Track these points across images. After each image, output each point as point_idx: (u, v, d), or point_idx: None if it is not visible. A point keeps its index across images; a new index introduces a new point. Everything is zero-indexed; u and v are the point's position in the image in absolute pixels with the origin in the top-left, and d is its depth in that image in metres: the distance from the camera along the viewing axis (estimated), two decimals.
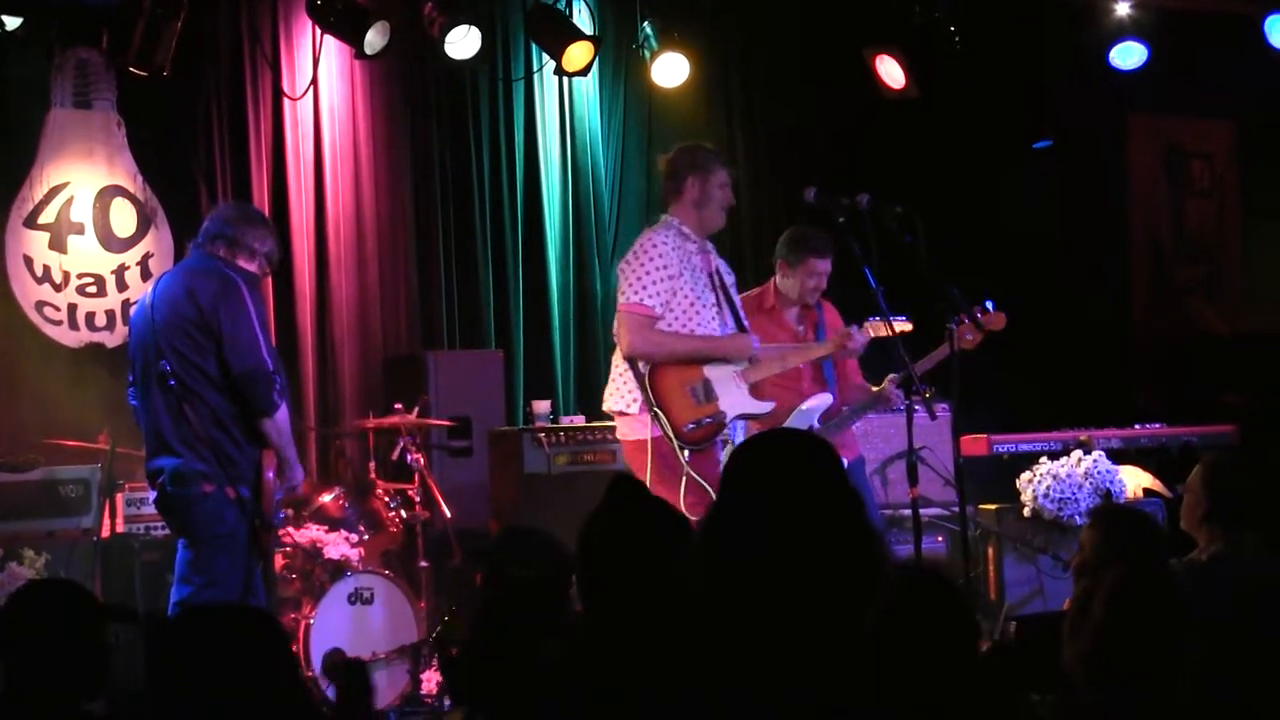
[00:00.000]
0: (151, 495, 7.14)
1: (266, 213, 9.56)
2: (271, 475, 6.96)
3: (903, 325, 7.70)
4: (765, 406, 7.29)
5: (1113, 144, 13.07)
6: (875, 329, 7.64)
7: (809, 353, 7.75)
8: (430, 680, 8.36)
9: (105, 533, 8.40)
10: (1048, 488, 9.06)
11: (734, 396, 7.20)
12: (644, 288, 7.20)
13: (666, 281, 7.20)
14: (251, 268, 7.10)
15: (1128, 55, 11.22)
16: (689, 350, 7.20)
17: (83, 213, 9.56)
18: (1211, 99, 12.59)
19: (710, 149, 7.55)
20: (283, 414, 6.92)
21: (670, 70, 10.55)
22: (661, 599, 3.51)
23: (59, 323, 9.49)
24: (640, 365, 7.19)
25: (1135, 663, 4.20)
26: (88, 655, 4.35)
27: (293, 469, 7.11)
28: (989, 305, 7.78)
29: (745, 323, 7.42)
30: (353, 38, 9.45)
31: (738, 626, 3.14)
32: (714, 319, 7.27)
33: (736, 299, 7.51)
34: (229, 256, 7.03)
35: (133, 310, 7.39)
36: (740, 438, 7.29)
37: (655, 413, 7.10)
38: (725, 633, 3.15)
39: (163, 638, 3.61)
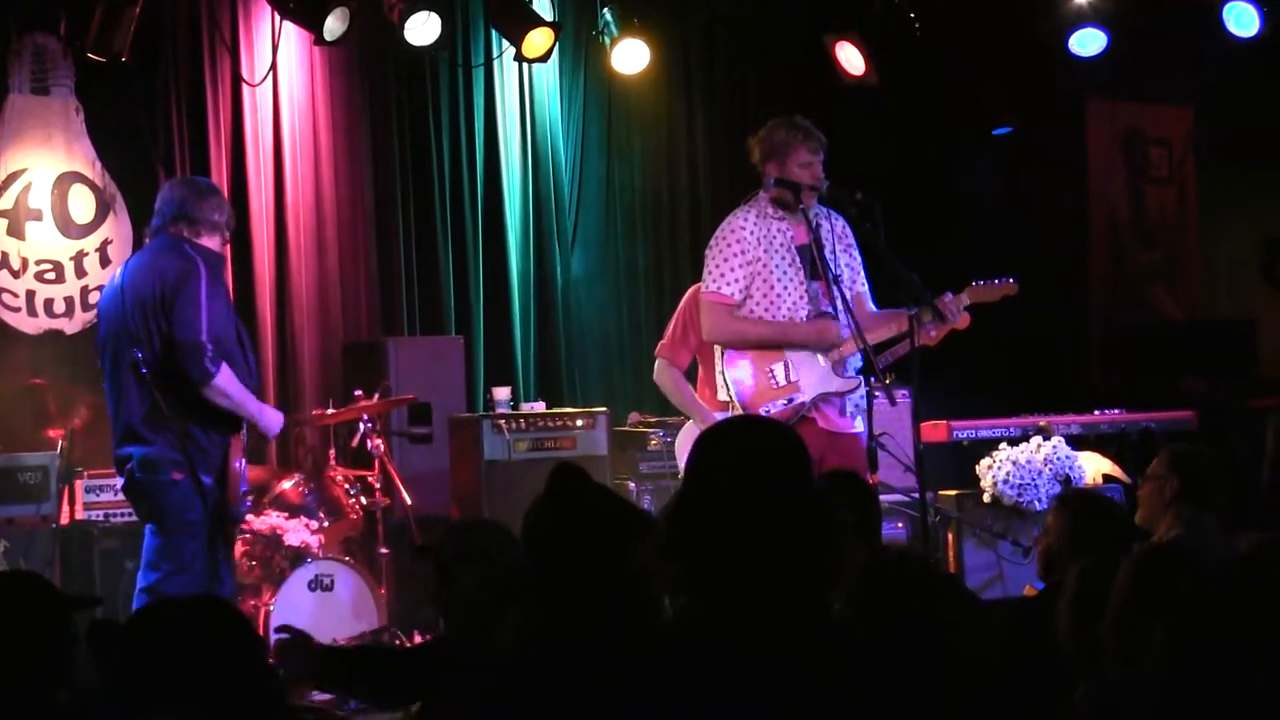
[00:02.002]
0: (119, 481, 7.14)
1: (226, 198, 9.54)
2: (238, 464, 6.97)
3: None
4: (848, 384, 7.29)
5: (1072, 130, 13.11)
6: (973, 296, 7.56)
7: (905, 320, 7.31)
8: None
9: (64, 520, 8.38)
10: (1007, 474, 9.08)
11: (815, 375, 7.25)
12: (722, 275, 7.27)
13: (745, 267, 7.25)
14: (214, 242, 7.11)
15: (1087, 42, 11.24)
16: (766, 336, 7.25)
17: (41, 199, 9.51)
18: (1170, 86, 12.65)
19: (793, 125, 7.38)
20: (223, 377, 6.86)
21: (630, 57, 10.56)
22: (609, 586, 3.50)
23: (17, 309, 9.45)
24: (720, 350, 7.29)
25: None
26: (52, 646, 4.36)
27: (262, 419, 7.12)
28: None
29: (845, 294, 7.27)
30: (312, 24, 9.42)
31: (703, 611, 3.15)
32: (799, 299, 7.27)
33: (848, 262, 7.44)
34: (192, 236, 7.04)
35: (101, 292, 7.41)
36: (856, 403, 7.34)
37: (729, 396, 7.16)
38: (692, 618, 3.15)
39: (126, 633, 3.59)
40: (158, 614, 3.73)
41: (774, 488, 3.18)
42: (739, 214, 7.38)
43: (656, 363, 8.24)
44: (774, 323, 7.23)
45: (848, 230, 7.51)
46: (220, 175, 9.87)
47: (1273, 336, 12.86)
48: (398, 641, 8.32)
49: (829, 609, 3.16)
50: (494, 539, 4.63)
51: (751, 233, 7.28)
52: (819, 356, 7.24)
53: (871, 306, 7.54)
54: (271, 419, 7.24)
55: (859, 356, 7.31)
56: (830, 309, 7.28)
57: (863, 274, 7.57)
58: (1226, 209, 13.56)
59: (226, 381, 6.90)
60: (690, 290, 8.40)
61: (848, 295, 7.31)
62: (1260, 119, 12.59)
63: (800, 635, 3.09)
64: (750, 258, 7.24)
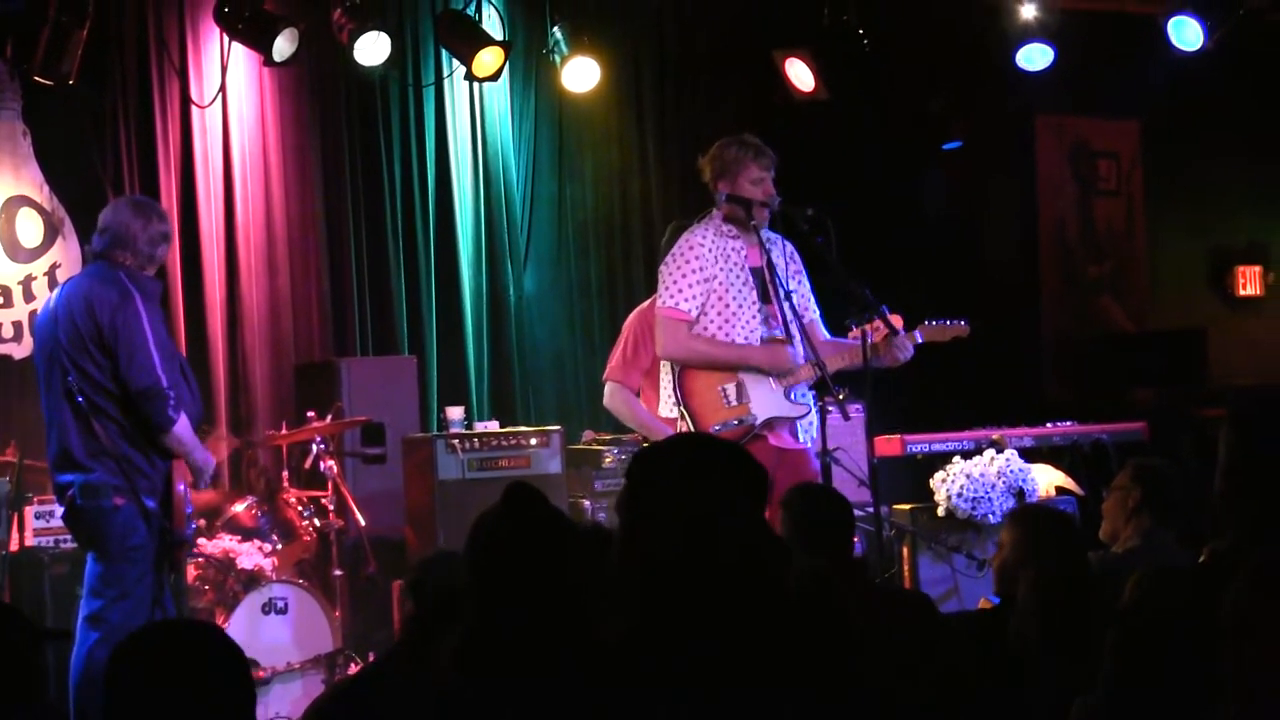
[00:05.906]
0: (60, 509, 7.09)
1: (175, 221, 9.48)
2: (182, 488, 6.94)
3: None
4: (797, 409, 7.27)
5: (1021, 144, 13.19)
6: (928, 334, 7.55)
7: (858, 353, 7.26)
8: None
9: (14, 546, 8.32)
10: (961, 487, 9.11)
11: (767, 398, 7.21)
12: (679, 290, 7.23)
13: (702, 284, 7.21)
14: (153, 267, 7.08)
15: (1035, 57, 11.29)
16: (721, 357, 7.21)
17: None
18: (1117, 99, 12.73)
19: (743, 143, 7.36)
20: (182, 425, 6.90)
21: (581, 75, 10.56)
22: (557, 606, 3.48)
23: None
24: (673, 366, 7.26)
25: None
26: (23, 675, 4.35)
27: (204, 470, 7.11)
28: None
29: (798, 319, 7.24)
30: (261, 45, 9.40)
31: (647, 634, 3.14)
32: (753, 319, 7.25)
33: (797, 289, 7.40)
34: (127, 261, 7.00)
35: (37, 316, 7.36)
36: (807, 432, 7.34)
37: (681, 412, 7.14)
38: (636, 641, 3.14)
39: (119, 662, 3.58)
40: (147, 645, 3.70)
41: (718, 511, 3.16)
42: (696, 230, 7.35)
43: (606, 387, 8.22)
44: (730, 344, 7.21)
45: (796, 256, 7.51)
46: (170, 197, 9.82)
47: (1222, 346, 12.95)
48: (352, 665, 8.29)
49: (770, 633, 3.14)
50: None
51: (709, 249, 7.26)
52: (771, 380, 7.23)
53: (824, 334, 7.53)
54: (211, 460, 7.25)
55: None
56: (781, 332, 7.28)
57: (813, 301, 7.58)
58: (1174, 220, 13.67)
59: (183, 429, 6.94)
60: (636, 311, 8.40)
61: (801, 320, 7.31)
62: (1205, 130, 12.71)
63: (743, 659, 3.08)
64: (708, 274, 7.22)
